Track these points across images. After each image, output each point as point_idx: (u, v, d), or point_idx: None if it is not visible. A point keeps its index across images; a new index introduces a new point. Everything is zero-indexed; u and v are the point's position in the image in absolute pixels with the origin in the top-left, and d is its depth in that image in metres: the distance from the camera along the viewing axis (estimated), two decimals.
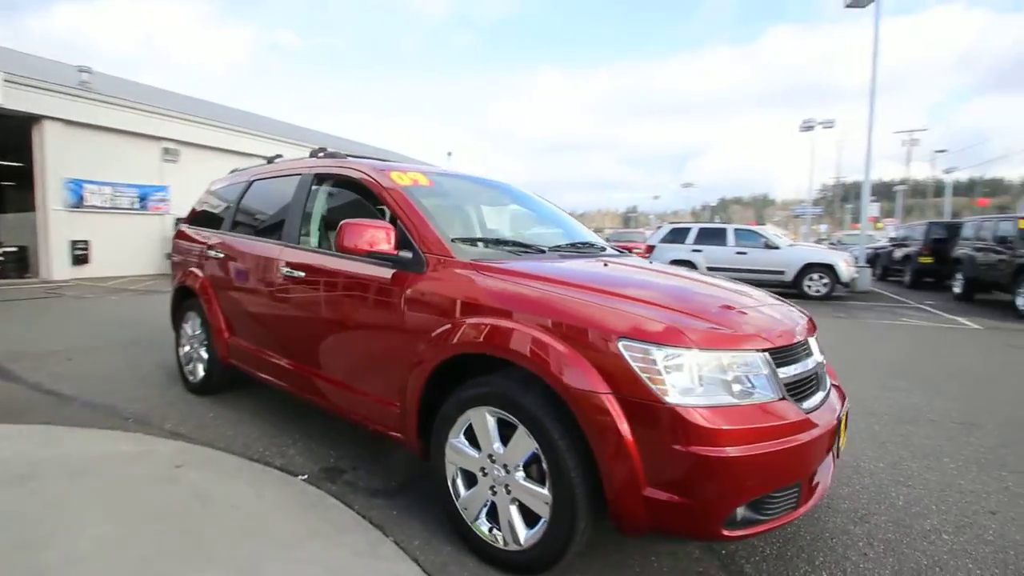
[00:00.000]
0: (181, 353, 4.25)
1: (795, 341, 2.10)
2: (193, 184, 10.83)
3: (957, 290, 11.98)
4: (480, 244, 2.70)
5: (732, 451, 1.73)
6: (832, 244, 24.23)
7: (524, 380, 2.00)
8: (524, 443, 1.99)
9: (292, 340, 3.09)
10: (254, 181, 3.85)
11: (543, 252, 2.77)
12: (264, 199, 3.76)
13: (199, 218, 4.38)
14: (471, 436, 2.17)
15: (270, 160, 4.05)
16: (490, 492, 2.12)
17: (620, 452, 1.77)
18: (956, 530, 2.48)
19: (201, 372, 4.02)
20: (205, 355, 3.95)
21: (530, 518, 2.03)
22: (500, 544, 2.09)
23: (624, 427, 1.76)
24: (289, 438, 3.33)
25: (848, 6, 14.23)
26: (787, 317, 2.25)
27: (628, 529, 1.85)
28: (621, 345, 1.81)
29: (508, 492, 2.06)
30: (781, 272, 11.93)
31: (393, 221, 2.63)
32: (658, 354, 1.78)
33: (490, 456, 2.10)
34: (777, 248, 12.16)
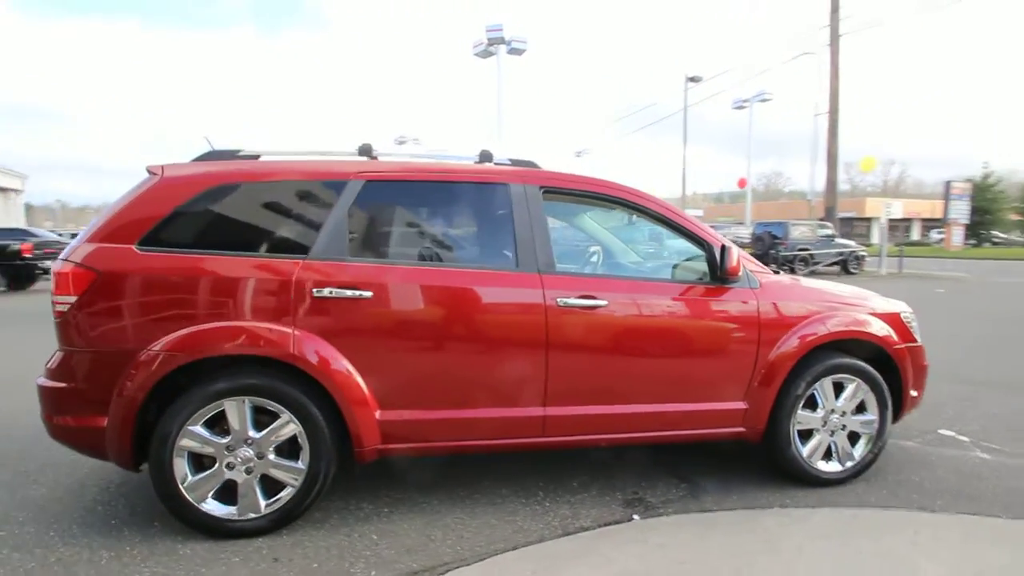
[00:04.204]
0: (187, 484, 2.43)
1: None
2: None
3: None
4: None
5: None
6: None
7: (853, 351, 3.15)
8: (857, 393, 3.12)
9: (574, 382, 2.79)
10: (368, 183, 2.73)
11: None
12: (417, 212, 3.03)
13: (199, 239, 2.53)
14: (811, 405, 3.08)
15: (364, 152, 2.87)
16: (828, 435, 3.11)
17: (908, 375, 3.23)
18: None
19: (262, 497, 2.52)
20: (293, 461, 2.53)
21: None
22: (829, 469, 3.11)
23: (909, 358, 3.25)
24: (524, 495, 2.88)
25: (476, 55, 17.69)
26: None
27: (897, 421, 3.30)
28: (902, 316, 3.32)
29: (843, 429, 3.12)
30: None
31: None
32: (912, 317, 3.39)
33: (833, 411, 3.08)
34: None
